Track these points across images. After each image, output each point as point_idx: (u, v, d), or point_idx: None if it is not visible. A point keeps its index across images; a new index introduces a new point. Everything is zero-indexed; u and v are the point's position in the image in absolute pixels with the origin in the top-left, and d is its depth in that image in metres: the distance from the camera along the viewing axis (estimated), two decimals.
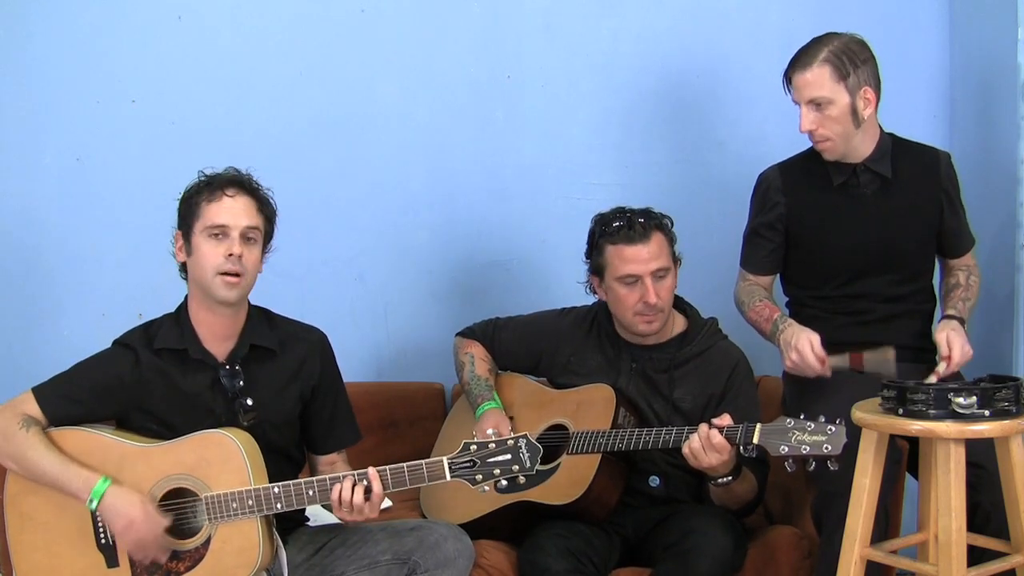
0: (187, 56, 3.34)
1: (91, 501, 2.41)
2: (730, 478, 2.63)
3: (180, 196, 2.59)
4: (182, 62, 3.34)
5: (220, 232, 2.48)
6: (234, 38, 3.37)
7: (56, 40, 3.29)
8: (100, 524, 2.46)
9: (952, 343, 2.69)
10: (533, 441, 2.37)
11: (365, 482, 2.42)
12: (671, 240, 2.84)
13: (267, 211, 2.56)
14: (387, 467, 2.43)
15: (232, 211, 2.49)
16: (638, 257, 2.79)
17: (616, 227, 2.81)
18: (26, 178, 3.30)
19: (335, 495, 2.41)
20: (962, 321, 2.77)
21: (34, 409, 2.49)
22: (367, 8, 3.42)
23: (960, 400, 2.24)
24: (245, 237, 2.50)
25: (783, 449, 2.47)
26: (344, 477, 2.42)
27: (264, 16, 3.38)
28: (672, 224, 2.86)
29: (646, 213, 2.83)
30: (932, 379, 2.64)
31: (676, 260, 2.86)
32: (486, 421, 2.86)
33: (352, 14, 3.41)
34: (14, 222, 3.31)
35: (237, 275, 2.48)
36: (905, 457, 2.74)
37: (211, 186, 2.52)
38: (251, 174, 2.58)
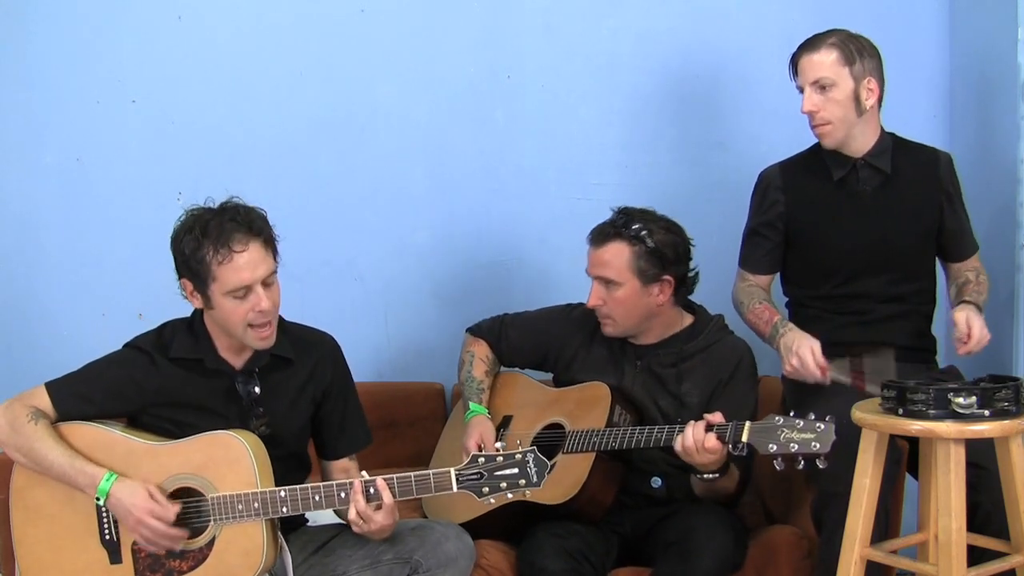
0: (187, 56, 3.34)
1: (98, 499, 2.41)
2: (717, 475, 2.64)
3: (174, 236, 2.44)
4: (182, 62, 3.34)
5: (244, 292, 2.40)
6: (234, 38, 3.37)
7: (56, 40, 3.29)
8: (105, 520, 2.46)
9: (972, 323, 2.67)
10: (541, 456, 2.36)
11: (372, 490, 2.41)
12: (638, 254, 2.76)
13: (271, 241, 2.45)
14: (394, 476, 2.42)
15: (248, 267, 2.38)
16: (591, 259, 2.82)
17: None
18: (26, 178, 3.31)
19: (352, 515, 2.41)
20: (979, 308, 2.76)
21: (45, 404, 2.49)
22: (367, 8, 3.42)
23: (960, 400, 2.24)
24: (265, 284, 2.43)
25: (772, 447, 2.46)
26: (353, 485, 2.42)
27: (264, 16, 3.38)
28: (659, 239, 2.76)
29: (622, 220, 2.80)
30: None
31: (645, 275, 2.76)
32: (471, 431, 2.86)
33: (352, 14, 3.41)
34: (14, 222, 3.31)
35: (267, 323, 2.46)
36: (905, 457, 2.74)
37: (214, 240, 2.36)
38: (237, 200, 2.44)
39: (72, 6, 3.29)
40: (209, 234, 2.37)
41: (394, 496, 2.41)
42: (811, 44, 2.81)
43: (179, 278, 2.47)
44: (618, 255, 2.78)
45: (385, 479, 2.41)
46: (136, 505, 2.38)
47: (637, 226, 2.78)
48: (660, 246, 2.77)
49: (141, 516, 2.38)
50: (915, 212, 2.87)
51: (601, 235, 2.81)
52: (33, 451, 2.44)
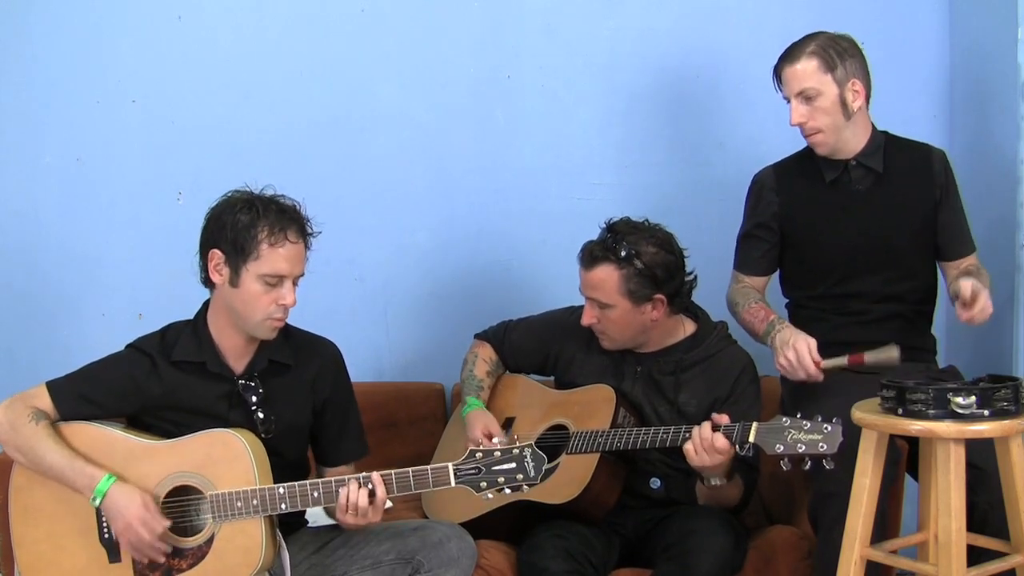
0: (187, 56, 3.35)
1: (94, 499, 2.41)
2: (725, 481, 2.64)
3: (220, 208, 2.47)
4: (182, 62, 3.35)
5: (277, 281, 2.44)
6: (234, 38, 3.37)
7: (56, 40, 3.29)
8: (104, 519, 2.46)
9: (977, 292, 2.60)
10: (538, 451, 2.36)
11: (369, 486, 2.42)
12: (628, 276, 2.73)
13: (307, 249, 2.52)
14: (392, 472, 2.43)
15: (291, 260, 2.44)
16: (582, 280, 2.81)
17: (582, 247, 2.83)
18: (26, 178, 3.31)
19: (342, 498, 2.41)
20: (984, 286, 2.67)
21: (46, 404, 2.49)
22: (367, 8, 3.42)
23: (959, 400, 2.24)
24: (294, 282, 2.47)
25: (779, 448, 2.47)
26: (349, 480, 2.42)
27: (264, 16, 3.39)
28: (648, 259, 2.73)
29: (611, 239, 2.77)
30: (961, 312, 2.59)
31: (636, 296, 2.74)
32: (474, 423, 2.86)
33: (352, 14, 3.41)
34: (14, 222, 3.31)
35: (282, 318, 2.48)
36: (905, 457, 2.74)
37: (272, 223, 2.42)
38: (298, 205, 2.50)
39: (72, 6, 3.29)
40: (268, 216, 2.43)
41: (392, 492, 2.42)
42: (791, 54, 2.80)
43: (207, 249, 2.46)
44: (607, 278, 2.75)
45: (382, 474, 2.42)
46: (129, 510, 2.39)
47: (626, 247, 2.74)
48: (650, 266, 2.73)
49: (131, 521, 2.39)
50: (909, 209, 2.87)
51: (590, 257, 2.78)
52: (33, 451, 2.44)
